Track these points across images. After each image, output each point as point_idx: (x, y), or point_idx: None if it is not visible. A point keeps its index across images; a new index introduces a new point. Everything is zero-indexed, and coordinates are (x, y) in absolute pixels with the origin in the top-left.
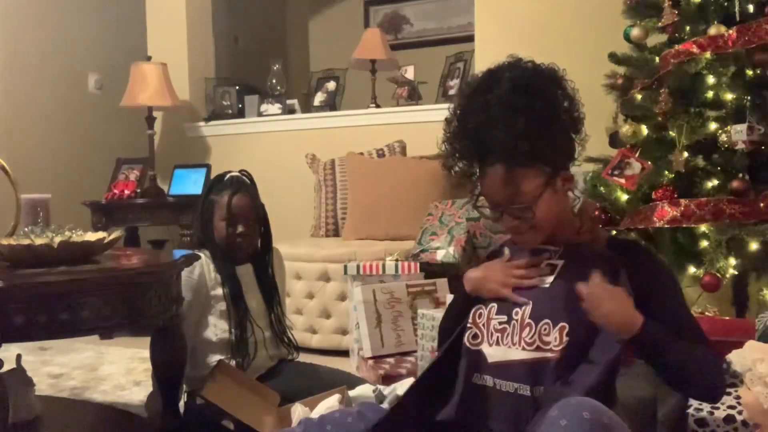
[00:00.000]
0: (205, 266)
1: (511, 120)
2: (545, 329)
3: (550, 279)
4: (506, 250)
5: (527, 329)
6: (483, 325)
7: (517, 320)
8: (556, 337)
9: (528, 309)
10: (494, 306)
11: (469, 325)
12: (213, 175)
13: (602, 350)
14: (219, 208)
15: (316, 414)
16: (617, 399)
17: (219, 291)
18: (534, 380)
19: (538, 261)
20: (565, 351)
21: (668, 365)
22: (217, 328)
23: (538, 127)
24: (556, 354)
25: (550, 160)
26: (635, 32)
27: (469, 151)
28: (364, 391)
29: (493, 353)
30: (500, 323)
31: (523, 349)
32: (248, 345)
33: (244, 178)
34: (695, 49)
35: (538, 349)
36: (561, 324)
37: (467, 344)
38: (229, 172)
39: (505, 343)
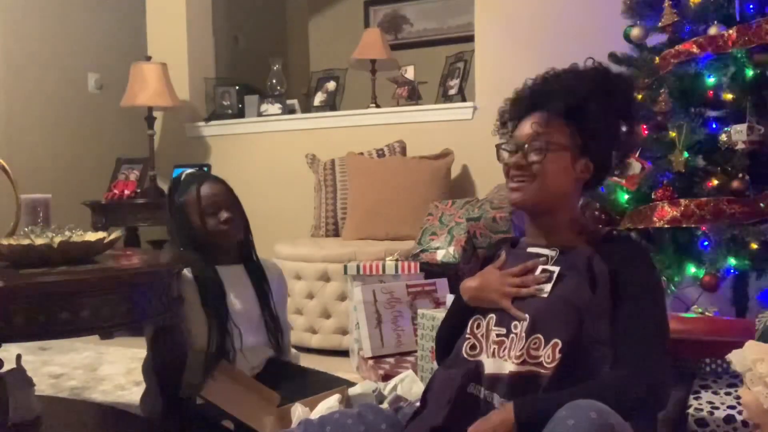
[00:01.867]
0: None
1: (581, 82)
2: (535, 343)
3: (548, 287)
4: (502, 254)
5: (520, 343)
6: (482, 336)
7: (516, 334)
8: (549, 354)
9: (526, 323)
10: (493, 317)
11: (467, 335)
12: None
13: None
14: (191, 205)
15: (315, 414)
16: None
17: (196, 296)
18: (515, 394)
19: (533, 266)
20: (558, 368)
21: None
22: (198, 338)
23: (599, 102)
24: (549, 371)
25: (586, 137)
26: (635, 32)
27: (523, 103)
28: (364, 389)
29: (490, 364)
30: (498, 335)
31: (513, 362)
32: (227, 350)
33: (203, 171)
34: (695, 49)
35: (524, 363)
36: (554, 341)
37: (465, 355)
38: (185, 171)
39: (501, 355)
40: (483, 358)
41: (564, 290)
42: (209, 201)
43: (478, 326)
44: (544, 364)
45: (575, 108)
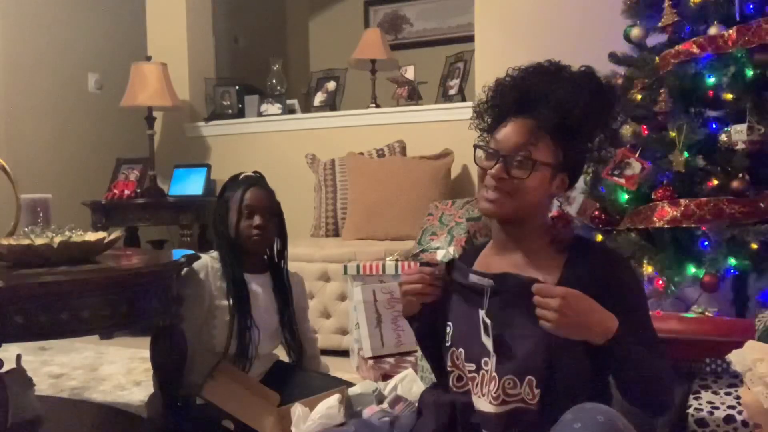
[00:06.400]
0: (210, 273)
1: (577, 99)
2: (509, 384)
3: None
4: (456, 263)
5: (492, 383)
6: (462, 367)
7: (486, 371)
8: (527, 392)
9: (493, 361)
10: (462, 351)
11: (450, 368)
12: (212, 175)
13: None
14: (233, 204)
15: (315, 414)
16: (613, 396)
17: (224, 302)
18: (506, 429)
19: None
20: (542, 402)
21: (630, 373)
22: (218, 340)
23: (590, 119)
24: (534, 407)
25: (569, 153)
26: (635, 32)
27: (509, 101)
28: (364, 389)
29: (475, 400)
30: (470, 371)
31: (490, 403)
32: (248, 355)
33: (257, 176)
34: (695, 49)
35: (504, 403)
36: (528, 378)
37: (454, 388)
38: (243, 173)
39: (475, 392)
40: (470, 389)
41: (522, 324)
42: (249, 204)
43: (457, 358)
44: (527, 401)
45: (568, 128)
